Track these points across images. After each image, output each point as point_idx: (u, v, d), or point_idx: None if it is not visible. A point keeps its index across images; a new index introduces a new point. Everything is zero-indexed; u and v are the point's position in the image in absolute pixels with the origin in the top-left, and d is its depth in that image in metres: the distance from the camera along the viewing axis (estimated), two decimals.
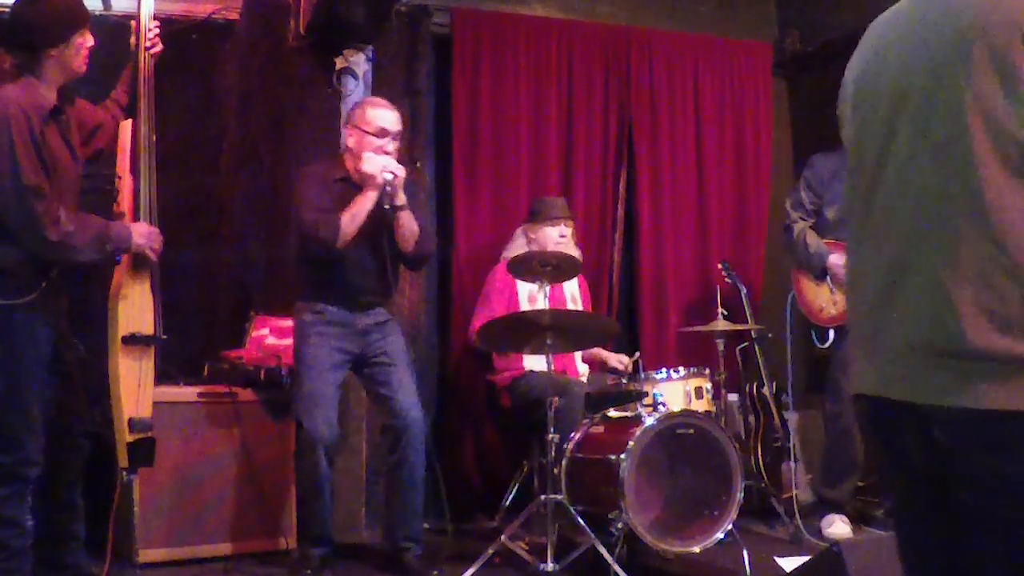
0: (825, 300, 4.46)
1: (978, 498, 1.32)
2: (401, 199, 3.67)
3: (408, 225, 3.72)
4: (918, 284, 1.37)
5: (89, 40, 3.11)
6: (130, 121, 3.29)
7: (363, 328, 3.76)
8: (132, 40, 3.34)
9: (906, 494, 1.49)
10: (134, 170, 3.21)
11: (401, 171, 3.68)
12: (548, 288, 3.84)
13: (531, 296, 4.36)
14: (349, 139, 3.79)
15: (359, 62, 4.55)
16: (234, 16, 4.66)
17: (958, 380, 1.31)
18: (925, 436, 1.36)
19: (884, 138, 1.46)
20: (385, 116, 3.76)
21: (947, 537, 1.41)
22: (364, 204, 3.63)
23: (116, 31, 3.65)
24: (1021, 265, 1.28)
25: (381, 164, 3.64)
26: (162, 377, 3.32)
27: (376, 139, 3.70)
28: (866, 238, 1.50)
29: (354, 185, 3.72)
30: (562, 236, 4.46)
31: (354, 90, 4.51)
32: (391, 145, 3.73)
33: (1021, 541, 1.29)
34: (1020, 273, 1.28)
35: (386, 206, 3.65)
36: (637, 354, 4.62)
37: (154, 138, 3.24)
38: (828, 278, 4.44)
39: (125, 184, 3.22)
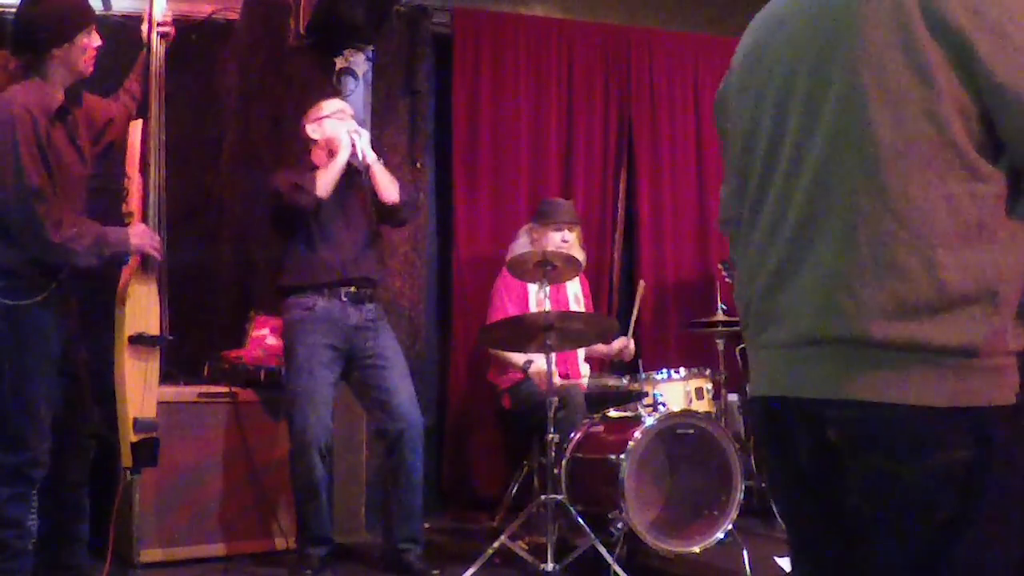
0: None
1: (870, 502, 1.24)
2: (372, 156, 3.83)
3: (385, 177, 3.84)
4: (812, 270, 1.27)
5: (96, 41, 3.10)
6: (140, 121, 3.28)
7: (354, 324, 3.75)
8: (144, 28, 3.34)
9: (797, 501, 1.40)
10: (143, 170, 3.20)
11: (365, 132, 3.86)
12: (548, 288, 3.85)
13: (539, 300, 4.36)
14: (313, 133, 3.92)
15: (359, 62, 4.55)
16: (234, 16, 4.67)
17: (852, 370, 1.22)
18: (816, 436, 1.28)
19: (776, 122, 1.36)
20: (336, 102, 3.98)
21: (841, 548, 1.32)
22: (336, 162, 3.76)
23: (116, 31, 3.65)
24: (925, 239, 1.18)
25: (344, 126, 3.83)
26: (162, 377, 3.32)
27: (337, 120, 3.88)
28: (757, 230, 1.40)
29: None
30: (564, 241, 4.44)
31: (354, 90, 4.51)
32: (352, 122, 3.90)
33: (916, 548, 1.21)
34: (924, 249, 1.18)
35: (359, 164, 3.77)
36: (641, 287, 4.58)
37: (163, 138, 3.24)
38: None
39: (134, 184, 3.22)
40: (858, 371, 1.22)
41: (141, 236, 3.12)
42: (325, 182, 3.71)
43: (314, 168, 3.84)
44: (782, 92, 1.36)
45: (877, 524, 1.24)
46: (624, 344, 4.55)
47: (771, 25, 1.43)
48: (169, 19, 3.35)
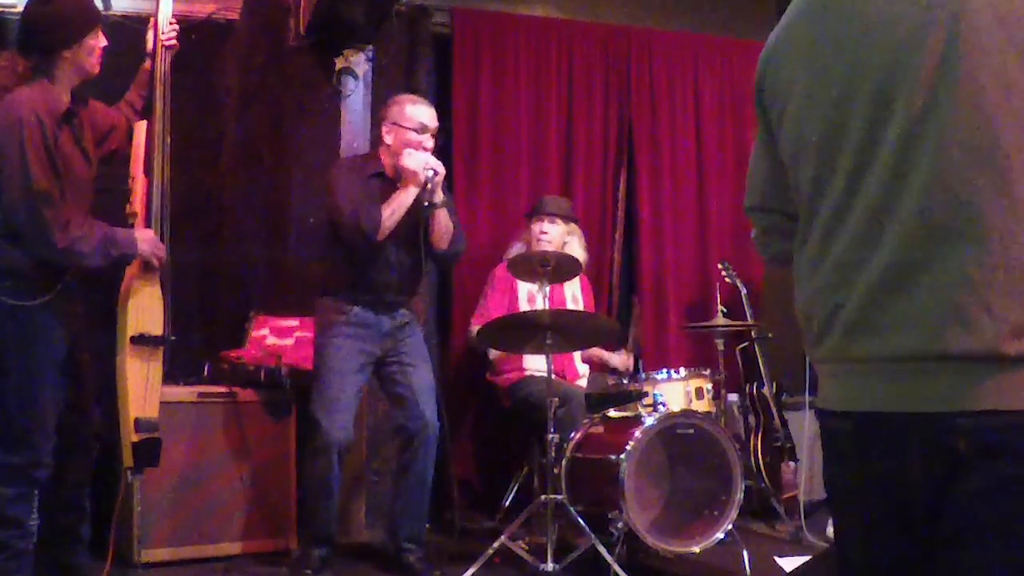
0: None
1: (993, 508, 1.19)
2: (440, 196, 3.68)
3: (444, 222, 3.73)
4: (936, 284, 1.21)
5: (102, 40, 3.10)
6: (144, 122, 3.29)
7: (388, 330, 3.75)
8: (148, 37, 3.34)
9: (894, 518, 1.31)
10: (147, 171, 3.20)
11: (442, 168, 3.68)
12: (548, 288, 3.84)
13: (530, 296, 4.36)
14: (387, 136, 3.77)
15: (359, 62, 4.55)
16: (234, 16, 4.66)
17: (984, 381, 1.19)
18: (938, 447, 1.22)
19: (869, 120, 1.28)
20: (425, 112, 3.78)
21: (935, 566, 1.28)
22: (404, 199, 3.63)
23: (116, 31, 3.65)
24: None
25: (423, 160, 3.64)
26: (163, 377, 3.32)
27: (416, 135, 3.71)
28: (844, 231, 1.32)
29: (389, 180, 3.73)
30: (543, 232, 4.44)
31: (354, 90, 4.51)
32: (430, 141, 3.75)
33: None
34: None
35: (425, 203, 3.65)
36: (632, 342, 4.58)
37: (168, 139, 3.24)
38: None
39: (138, 185, 3.22)
40: (990, 381, 1.19)
41: (149, 243, 3.12)
42: (388, 225, 3.59)
43: (378, 175, 3.75)
44: (881, 89, 1.28)
45: (993, 530, 1.20)
46: (624, 361, 4.55)
47: (846, 8, 1.34)
48: (175, 32, 3.34)
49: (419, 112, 3.76)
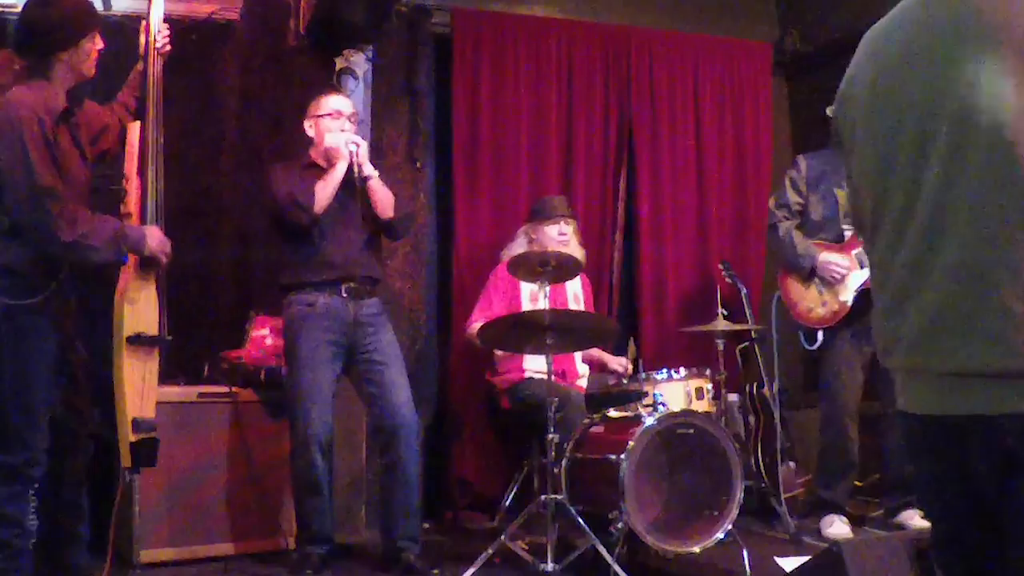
0: (813, 301, 4.34)
1: None
2: (369, 169, 3.83)
3: (382, 192, 3.85)
4: (986, 307, 1.35)
5: (98, 43, 3.11)
6: (138, 122, 3.28)
7: (355, 319, 3.76)
8: (141, 40, 3.34)
9: (955, 503, 1.49)
10: (141, 171, 3.20)
11: (363, 142, 3.86)
12: (548, 288, 3.84)
13: (533, 296, 4.36)
14: (309, 130, 3.93)
15: (359, 62, 4.56)
16: (234, 16, 4.67)
17: None
18: (993, 444, 1.37)
19: (916, 151, 1.43)
20: (337, 99, 3.98)
21: (995, 547, 1.42)
22: (334, 175, 3.77)
23: (116, 31, 3.65)
24: None
25: (343, 138, 3.81)
26: (162, 377, 3.32)
27: (332, 120, 3.87)
28: (898, 260, 1.47)
29: (322, 169, 3.82)
30: (561, 234, 4.46)
31: (354, 90, 4.51)
32: (348, 125, 3.89)
33: None
34: None
35: (355, 176, 3.78)
36: (632, 345, 4.58)
37: (161, 140, 3.24)
38: (816, 278, 4.38)
39: (132, 185, 3.22)
40: None
41: (158, 241, 3.12)
42: (322, 197, 3.72)
43: (311, 165, 3.85)
44: (920, 130, 1.42)
45: None
46: (625, 365, 4.56)
47: (893, 57, 1.49)
48: (167, 35, 3.34)
49: (332, 100, 3.94)
